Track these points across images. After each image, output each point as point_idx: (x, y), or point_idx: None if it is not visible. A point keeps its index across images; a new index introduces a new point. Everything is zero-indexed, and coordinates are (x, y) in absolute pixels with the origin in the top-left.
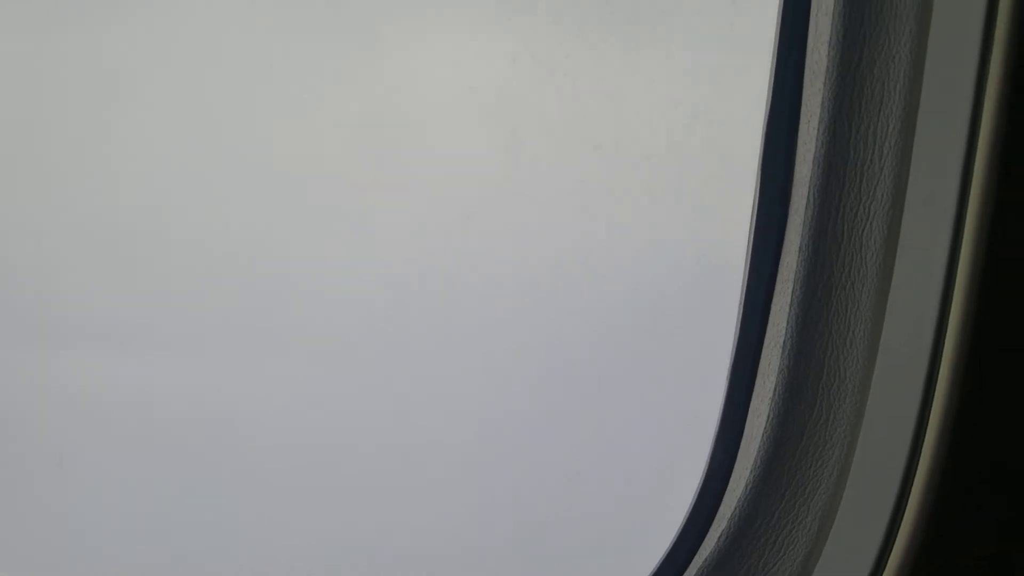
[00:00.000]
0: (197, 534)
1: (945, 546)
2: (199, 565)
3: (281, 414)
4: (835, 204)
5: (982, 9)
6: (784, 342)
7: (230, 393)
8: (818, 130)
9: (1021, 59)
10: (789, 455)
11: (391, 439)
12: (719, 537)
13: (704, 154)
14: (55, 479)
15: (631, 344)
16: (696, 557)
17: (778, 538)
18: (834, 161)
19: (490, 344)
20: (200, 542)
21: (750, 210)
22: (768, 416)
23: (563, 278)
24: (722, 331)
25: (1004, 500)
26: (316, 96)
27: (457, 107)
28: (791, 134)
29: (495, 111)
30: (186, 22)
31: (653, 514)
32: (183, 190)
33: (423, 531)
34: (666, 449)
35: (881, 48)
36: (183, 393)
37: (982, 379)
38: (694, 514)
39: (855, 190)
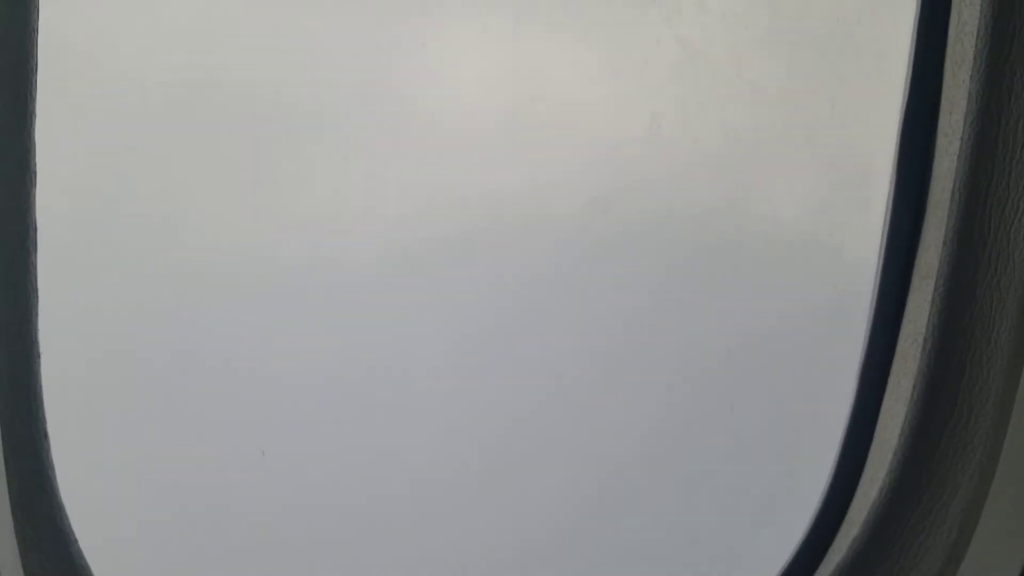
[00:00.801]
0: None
1: None
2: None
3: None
4: (982, 199)
5: None
6: (924, 340)
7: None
8: (964, 122)
9: None
10: (927, 458)
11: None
12: (850, 542)
13: (841, 144)
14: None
15: (758, 339)
16: (824, 563)
17: (913, 545)
18: (981, 155)
19: (623, 337)
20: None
21: (885, 204)
22: (905, 417)
23: (697, 268)
24: (852, 327)
25: None
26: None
27: (598, 90)
28: (930, 126)
29: (637, 95)
30: None
31: (775, 517)
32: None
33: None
34: (789, 451)
35: None
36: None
37: None
38: (821, 517)
39: (1003, 185)
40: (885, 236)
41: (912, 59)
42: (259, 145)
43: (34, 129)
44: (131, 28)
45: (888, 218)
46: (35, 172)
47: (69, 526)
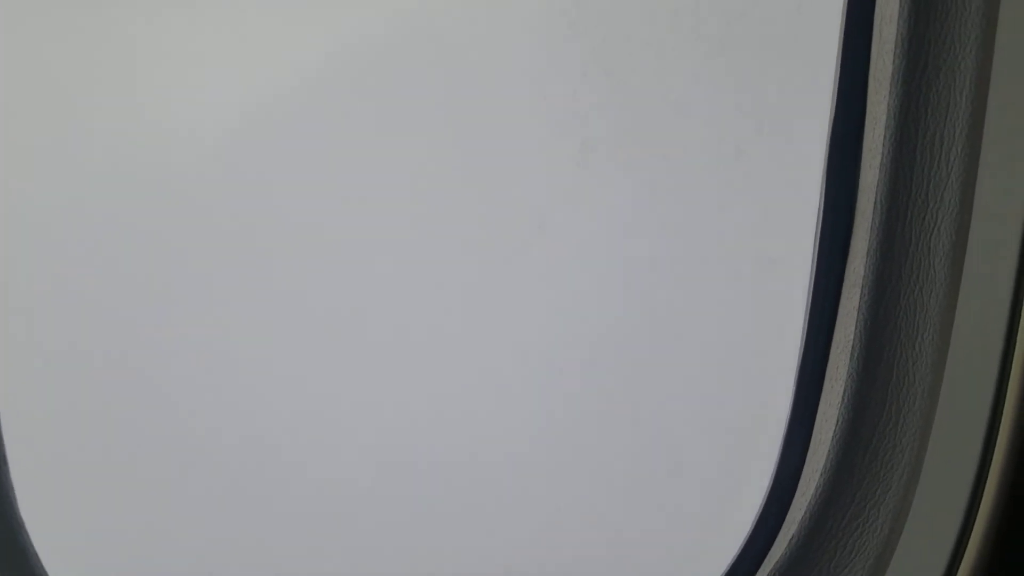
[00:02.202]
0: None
1: (1018, 551)
2: None
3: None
4: (903, 210)
5: None
6: (852, 347)
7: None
8: (884, 136)
9: None
10: (859, 459)
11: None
12: (789, 540)
13: (769, 161)
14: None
15: (696, 347)
16: (766, 560)
17: (848, 542)
18: (901, 167)
19: (554, 350)
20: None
21: (815, 216)
22: (837, 420)
23: (632, 283)
24: (787, 336)
25: None
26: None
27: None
28: (856, 140)
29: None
30: None
31: (721, 518)
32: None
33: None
34: (733, 453)
35: (947, 53)
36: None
37: None
38: (763, 517)
39: (922, 196)
40: (816, 246)
41: (838, 75)
42: None
43: None
44: None
45: (819, 230)
46: None
47: (30, 542)
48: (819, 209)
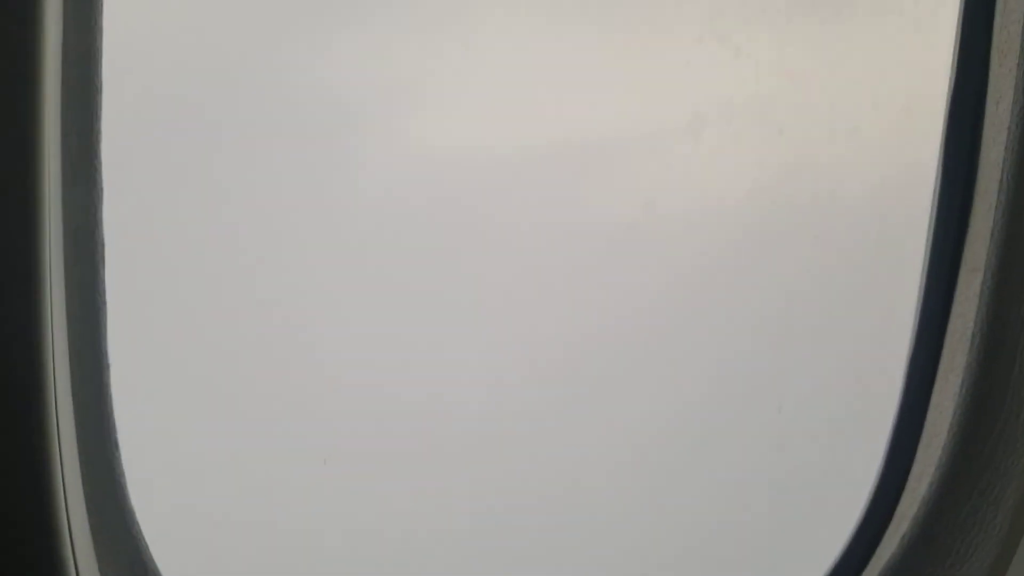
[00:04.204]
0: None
1: None
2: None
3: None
4: None
5: None
6: (972, 335)
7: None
8: (1011, 112)
9: None
10: (977, 453)
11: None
12: (900, 539)
13: (886, 136)
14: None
15: (801, 335)
16: (874, 559)
17: (964, 541)
18: None
19: (668, 329)
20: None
21: (931, 195)
22: (954, 412)
23: (740, 261)
24: (899, 324)
25: None
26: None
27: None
28: (977, 115)
29: (680, 92)
30: None
31: (827, 513)
32: None
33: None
34: (839, 446)
35: None
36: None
37: None
38: (871, 513)
39: None
40: (932, 228)
41: (957, 49)
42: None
43: (100, 147)
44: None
45: (935, 210)
46: (102, 188)
47: (140, 531)
48: (936, 188)
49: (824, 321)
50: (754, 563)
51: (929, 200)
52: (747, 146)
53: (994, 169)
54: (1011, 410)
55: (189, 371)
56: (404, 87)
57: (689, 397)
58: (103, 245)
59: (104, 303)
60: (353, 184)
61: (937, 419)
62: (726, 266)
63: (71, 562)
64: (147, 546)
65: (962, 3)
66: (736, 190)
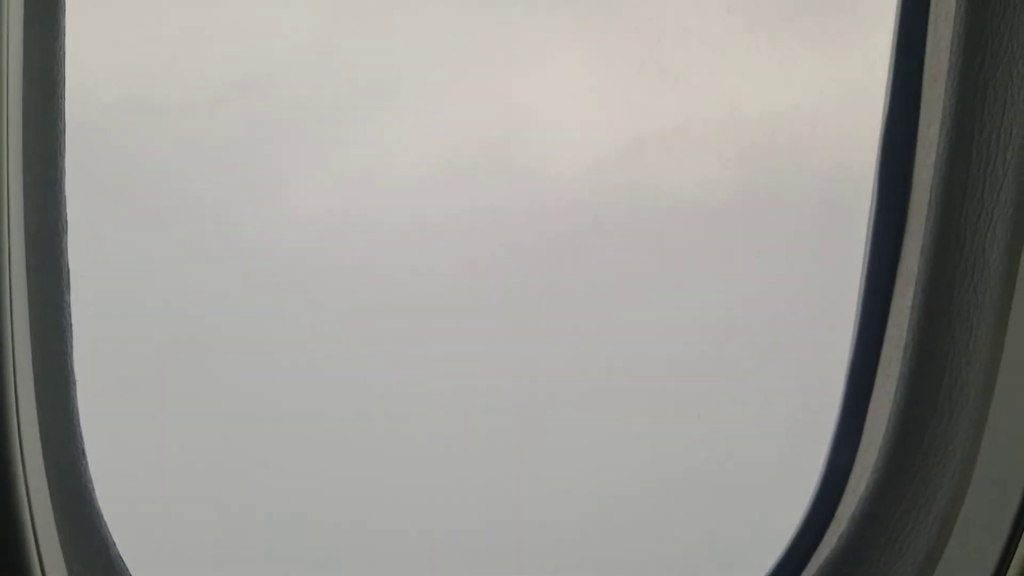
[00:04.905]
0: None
1: None
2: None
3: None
4: (958, 208)
5: None
6: (906, 344)
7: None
8: (940, 134)
9: None
10: (911, 456)
11: None
12: (838, 537)
13: (822, 157)
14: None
15: (747, 341)
16: (815, 557)
17: (898, 539)
18: (956, 165)
19: (608, 337)
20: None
21: (867, 213)
22: (889, 417)
23: (684, 275)
24: (838, 332)
25: None
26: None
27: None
28: (910, 138)
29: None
30: None
31: (769, 513)
32: None
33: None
34: (782, 449)
35: (1004, 52)
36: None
37: None
38: (812, 513)
39: (978, 194)
40: (868, 244)
41: (892, 73)
42: None
43: (64, 183)
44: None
45: (871, 227)
46: (66, 221)
47: (109, 533)
48: (872, 206)
49: (769, 333)
50: (697, 564)
51: (866, 217)
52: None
53: (924, 190)
54: (943, 415)
55: (163, 371)
56: None
57: (636, 400)
58: (68, 272)
59: (70, 325)
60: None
61: (874, 424)
62: (669, 272)
63: (37, 566)
64: (116, 547)
65: (896, 30)
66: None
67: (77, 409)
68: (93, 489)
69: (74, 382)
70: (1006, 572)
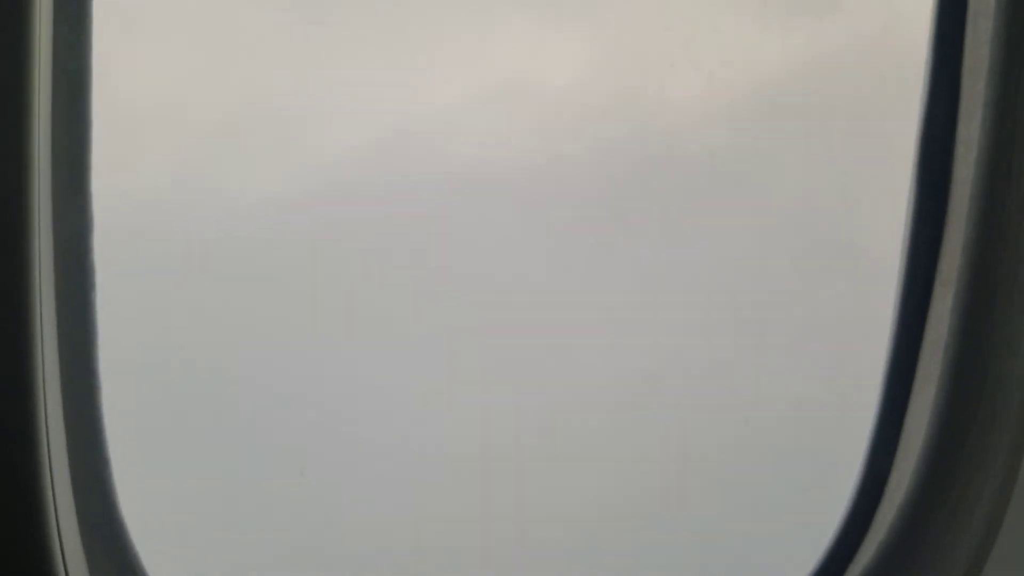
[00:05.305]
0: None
1: None
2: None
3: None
4: (999, 204)
5: None
6: (946, 346)
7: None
8: (980, 130)
9: None
10: (952, 461)
11: None
12: (877, 545)
13: (861, 154)
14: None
15: (781, 346)
16: (852, 565)
17: (939, 547)
18: (997, 161)
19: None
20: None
21: (905, 212)
22: (929, 421)
23: (715, 279)
24: (876, 335)
25: None
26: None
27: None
28: (949, 134)
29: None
30: None
31: (806, 521)
32: None
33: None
34: (818, 454)
35: None
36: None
37: None
38: (849, 520)
39: (1020, 190)
40: (907, 243)
41: (930, 68)
42: None
43: (91, 182)
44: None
45: (909, 225)
46: (92, 218)
47: (131, 542)
48: (910, 204)
49: (803, 332)
50: (733, 571)
51: (904, 214)
52: None
53: (964, 187)
54: (984, 418)
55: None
56: None
57: (664, 403)
58: (94, 272)
59: (96, 327)
60: None
61: (914, 429)
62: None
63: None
64: (138, 557)
65: (934, 25)
66: None
67: (102, 415)
68: (116, 497)
69: (99, 387)
70: None
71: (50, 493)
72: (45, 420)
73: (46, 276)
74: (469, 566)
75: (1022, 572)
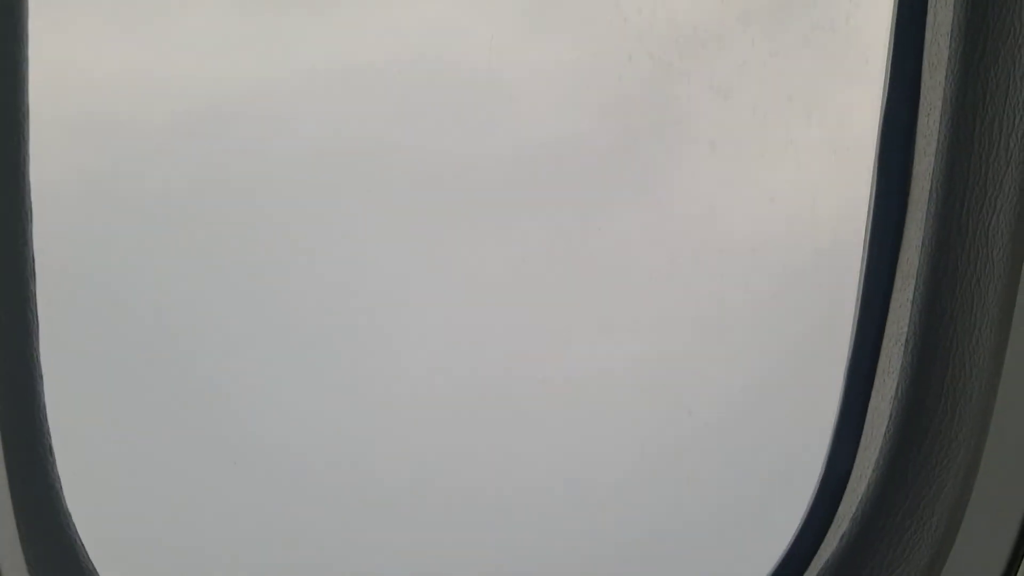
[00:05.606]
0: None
1: None
2: None
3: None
4: (959, 197)
5: None
6: (907, 339)
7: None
8: (940, 123)
9: None
10: (914, 454)
11: None
12: (840, 538)
13: (820, 149)
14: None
15: (742, 341)
16: (815, 558)
17: (902, 539)
18: (958, 154)
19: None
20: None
21: (866, 205)
22: (891, 414)
23: (676, 272)
24: (837, 328)
25: None
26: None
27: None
28: (910, 127)
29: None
30: None
31: (770, 515)
32: None
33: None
34: (780, 448)
35: (1006, 38)
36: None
37: None
38: (812, 514)
39: (980, 183)
40: (867, 237)
41: (890, 62)
42: None
43: (28, 168)
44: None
45: (870, 219)
46: (31, 209)
47: (76, 533)
48: (870, 198)
49: (765, 327)
50: (696, 565)
51: (865, 209)
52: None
53: (925, 180)
54: (945, 412)
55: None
56: None
57: (627, 396)
58: (33, 260)
59: (36, 317)
60: None
61: (875, 421)
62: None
63: None
64: (84, 548)
65: (894, 18)
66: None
67: (44, 405)
68: (60, 488)
69: (41, 376)
70: (1015, 573)
71: None
72: None
73: None
74: None
75: (984, 565)
